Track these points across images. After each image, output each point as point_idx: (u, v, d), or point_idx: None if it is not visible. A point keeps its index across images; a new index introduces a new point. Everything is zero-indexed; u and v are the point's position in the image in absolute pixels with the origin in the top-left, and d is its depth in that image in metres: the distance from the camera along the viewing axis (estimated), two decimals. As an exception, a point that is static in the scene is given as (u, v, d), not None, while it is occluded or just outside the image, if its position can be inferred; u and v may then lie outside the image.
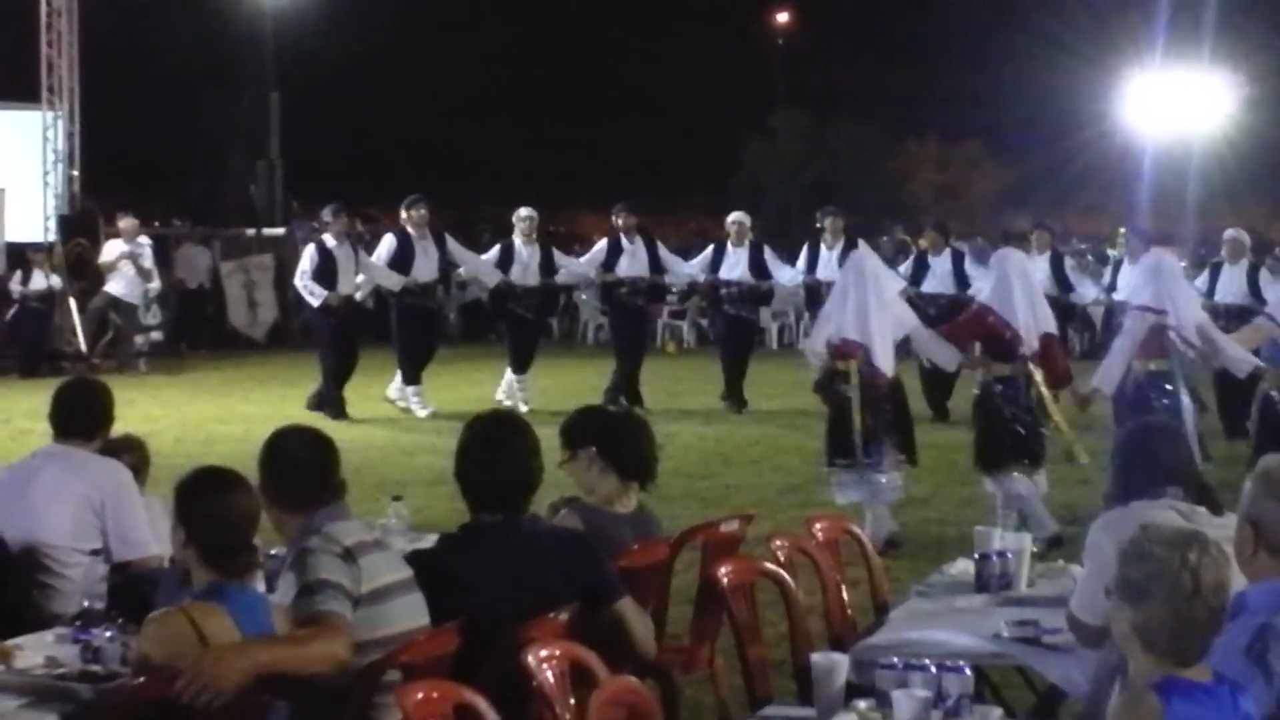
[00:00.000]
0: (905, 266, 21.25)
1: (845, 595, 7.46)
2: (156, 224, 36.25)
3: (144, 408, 18.01)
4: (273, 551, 6.42)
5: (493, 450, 6.42)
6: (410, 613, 5.88)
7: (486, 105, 60.30)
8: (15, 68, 30.07)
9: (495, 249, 20.90)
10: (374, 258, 20.14)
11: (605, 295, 21.47)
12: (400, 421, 19.76)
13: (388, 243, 20.28)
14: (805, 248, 21.48)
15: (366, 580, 5.76)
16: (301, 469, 6.01)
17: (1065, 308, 20.93)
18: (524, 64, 60.23)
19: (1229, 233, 20.57)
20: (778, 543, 7.48)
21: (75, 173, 29.71)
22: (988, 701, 6.02)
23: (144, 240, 26.90)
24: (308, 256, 19.97)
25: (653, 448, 7.44)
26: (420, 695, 5.06)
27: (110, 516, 7.43)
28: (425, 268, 19.99)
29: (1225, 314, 18.38)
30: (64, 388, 7.98)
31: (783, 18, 62.52)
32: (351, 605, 5.68)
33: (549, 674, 5.40)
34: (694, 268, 21.47)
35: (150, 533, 7.48)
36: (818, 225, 21.55)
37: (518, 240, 20.60)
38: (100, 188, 31.56)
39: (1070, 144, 47.03)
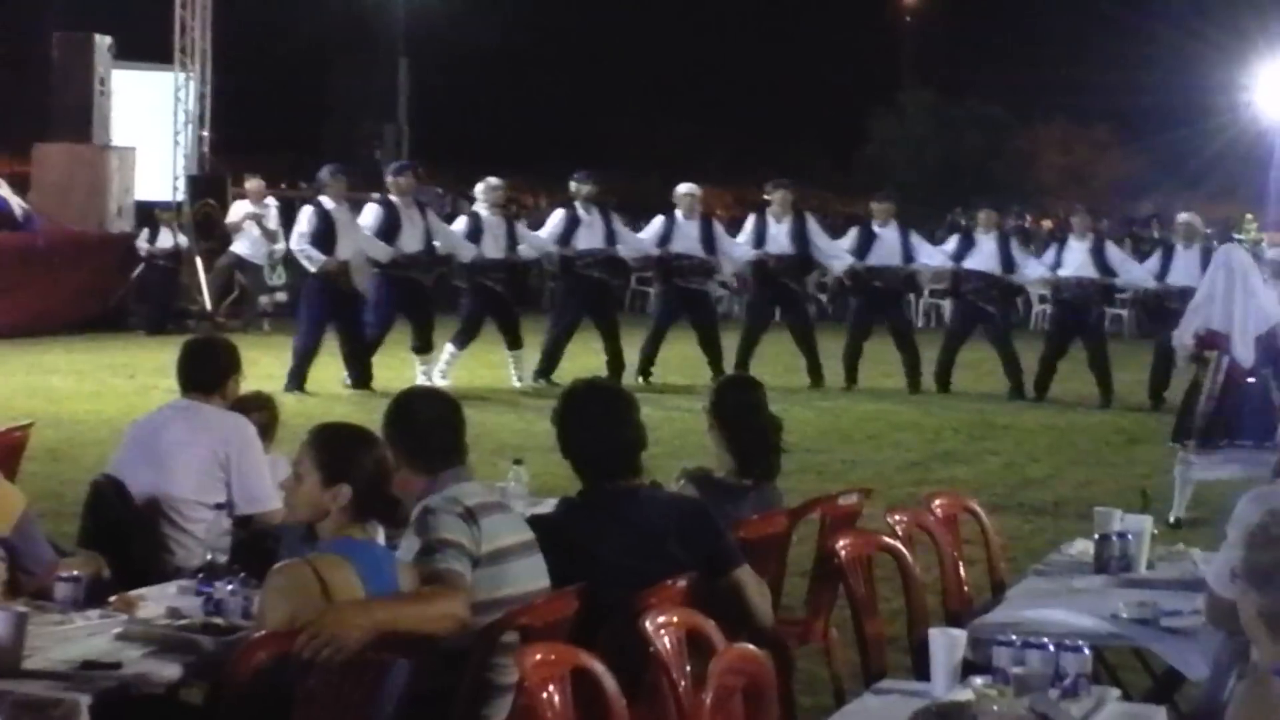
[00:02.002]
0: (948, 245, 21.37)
1: (963, 572, 7.43)
2: (283, 186, 36.55)
3: (267, 367, 18.12)
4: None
5: (595, 419, 6.43)
6: (530, 575, 5.91)
7: (613, 77, 60.28)
8: (149, 29, 30.40)
9: (462, 220, 20.42)
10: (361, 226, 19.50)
11: (563, 268, 20.50)
12: (516, 388, 19.82)
13: (373, 212, 19.65)
14: (752, 220, 21.08)
15: (487, 541, 5.79)
16: (430, 430, 6.05)
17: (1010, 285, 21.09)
18: (652, 36, 60.15)
19: (1183, 216, 20.89)
20: (896, 517, 7.46)
21: (205, 134, 30.01)
22: (1105, 682, 5.98)
23: (270, 202, 27.18)
24: (305, 218, 19.18)
25: (773, 439, 7.64)
26: (538, 657, 5.08)
27: (235, 471, 7.50)
28: (411, 238, 19.41)
29: (1180, 296, 18.32)
30: (190, 344, 8.08)
31: (912, -4, 62.25)
32: (472, 565, 5.71)
33: (666, 640, 5.41)
34: (646, 241, 20.71)
35: (273, 488, 7.55)
36: (765, 197, 21.16)
37: (484, 211, 20.05)
38: (229, 149, 31.89)
39: (1200, 129, 46.59)
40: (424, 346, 19.76)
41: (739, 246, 20.79)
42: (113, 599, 6.11)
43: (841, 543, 6.97)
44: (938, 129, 55.03)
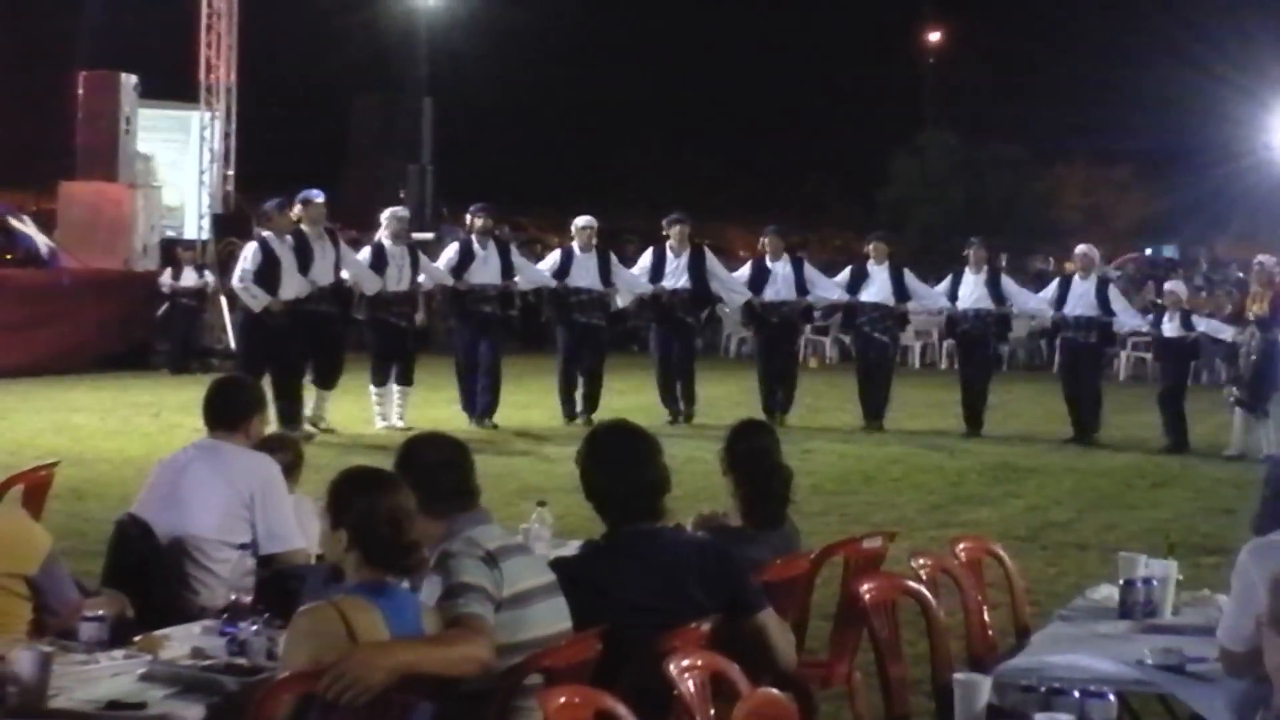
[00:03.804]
0: (842, 276, 21.49)
1: (986, 616, 7.41)
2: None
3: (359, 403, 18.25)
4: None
5: (618, 461, 6.42)
6: (552, 617, 5.91)
7: (636, 116, 60.45)
8: (174, 68, 30.55)
9: (366, 251, 19.71)
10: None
11: (453, 300, 20.29)
12: (540, 428, 19.85)
13: (365, 252, 19.52)
14: (650, 254, 21.09)
15: (509, 584, 5.79)
16: (435, 473, 6.04)
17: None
18: (674, 75, 60.32)
19: (1080, 248, 21.28)
20: (920, 561, 7.44)
21: (230, 172, 30.12)
22: (1129, 729, 5.97)
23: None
24: (250, 255, 18.31)
25: (779, 489, 7.56)
26: (562, 700, 5.07)
27: (259, 509, 7.50)
28: (395, 279, 19.27)
29: (1075, 325, 20.25)
30: (215, 383, 8.11)
31: (934, 37, 62.27)
32: (494, 608, 5.71)
33: (690, 684, 5.40)
34: (543, 274, 20.51)
35: (297, 527, 7.56)
36: (664, 233, 21.15)
37: (387, 242, 19.60)
38: (253, 187, 31.97)
39: (1222, 172, 46.60)
40: (326, 383, 19.03)
41: (635, 279, 20.78)
42: (137, 639, 6.12)
43: (865, 586, 6.95)
44: (959, 169, 55.07)
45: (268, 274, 18.11)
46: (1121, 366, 30.63)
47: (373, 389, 19.49)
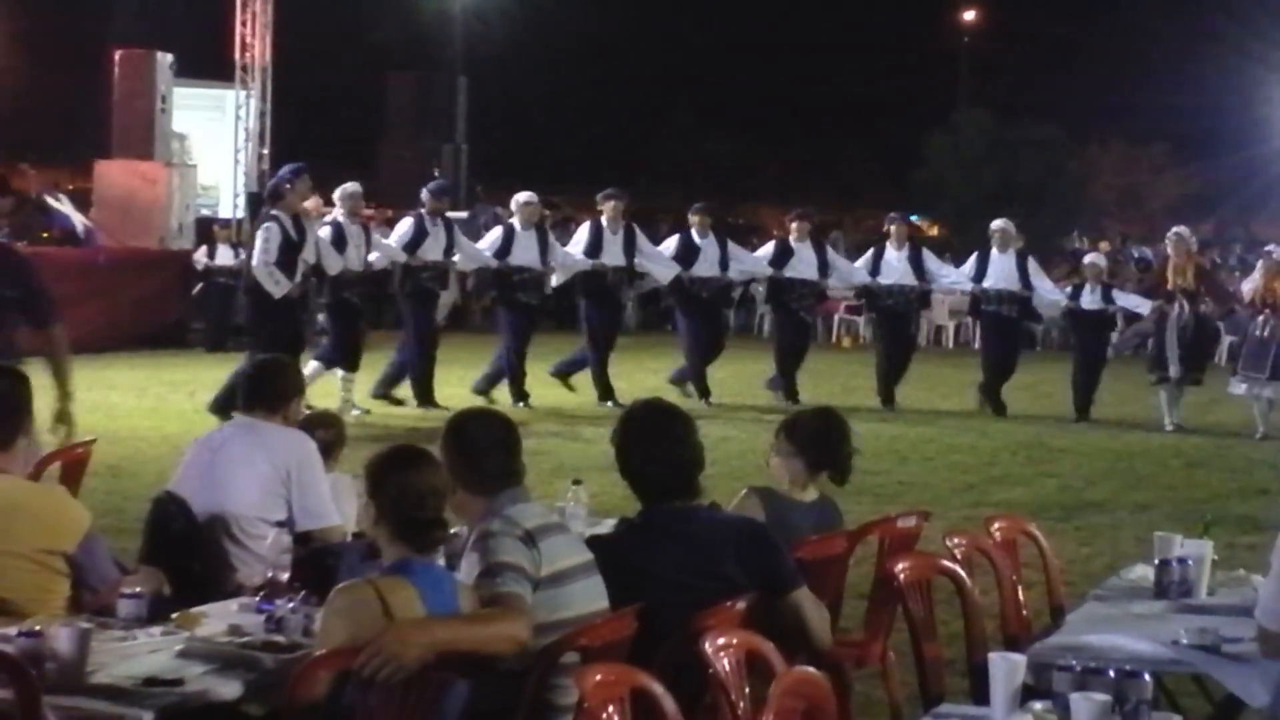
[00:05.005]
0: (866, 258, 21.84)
1: (1021, 596, 7.40)
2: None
3: (322, 384, 18.20)
4: (453, 530, 6.48)
5: (654, 439, 6.43)
6: (589, 596, 5.93)
7: (671, 96, 60.41)
8: (210, 47, 30.61)
9: (326, 230, 18.93)
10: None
11: (405, 277, 19.82)
12: (575, 407, 19.87)
13: (326, 231, 18.84)
14: (587, 230, 20.96)
15: (547, 563, 5.81)
16: (485, 451, 6.04)
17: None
18: (708, 54, 60.24)
19: (997, 223, 21.62)
20: (955, 540, 7.44)
21: (265, 150, 30.17)
22: (1165, 709, 5.96)
23: (327, 219, 27.23)
24: (274, 239, 17.01)
25: (847, 444, 7.65)
26: (598, 678, 5.08)
27: (295, 486, 7.52)
28: (356, 258, 18.91)
29: (996, 299, 20.70)
30: (258, 363, 8.17)
31: (969, 16, 62.09)
32: (532, 587, 5.73)
33: (725, 662, 5.41)
34: (486, 254, 20.25)
35: (332, 504, 7.58)
36: (598, 208, 21.09)
37: (343, 219, 19.14)
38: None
39: (1258, 152, 46.42)
40: (350, 365, 18.91)
41: (571, 256, 20.61)
42: (175, 616, 6.14)
43: (900, 565, 6.95)
44: (994, 149, 54.85)
45: (287, 258, 17.18)
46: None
47: (340, 373, 18.98)
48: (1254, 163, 46.54)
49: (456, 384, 20.12)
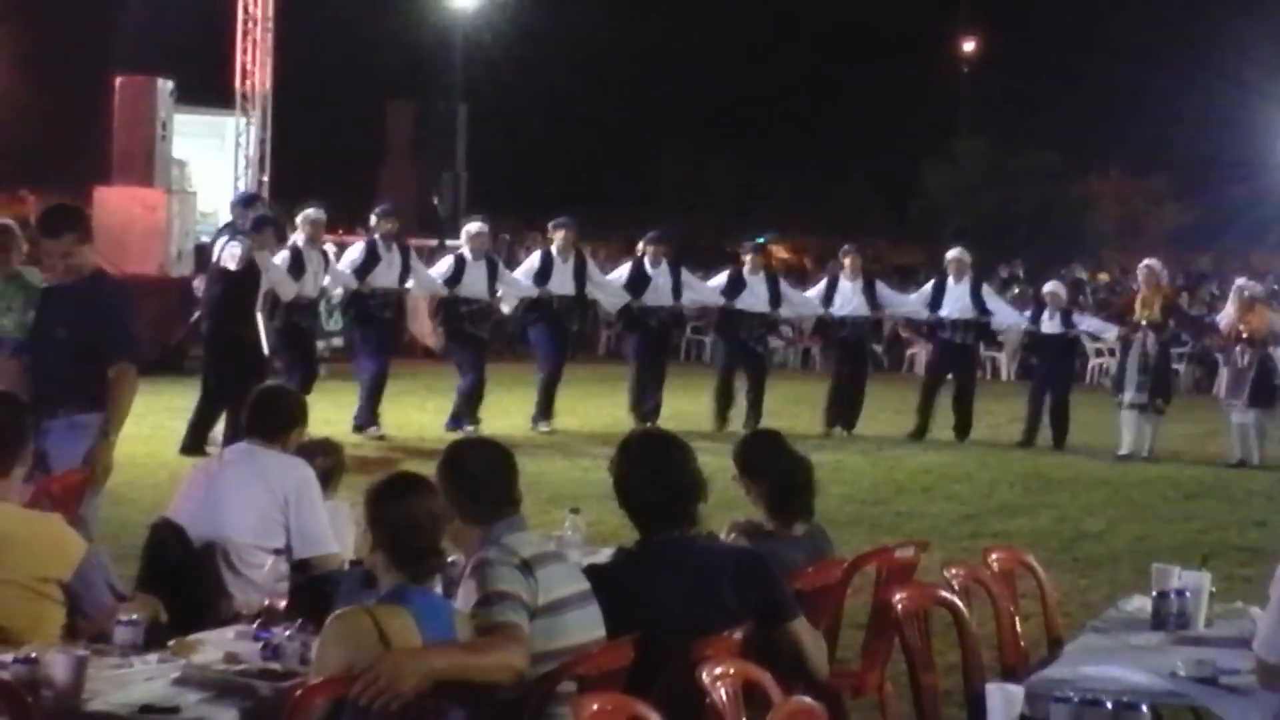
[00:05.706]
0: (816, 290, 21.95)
1: (1019, 627, 7.40)
2: (340, 231, 36.70)
3: (322, 412, 18.12)
4: (451, 559, 6.48)
5: (653, 468, 6.44)
6: (586, 625, 5.92)
7: (669, 123, 60.46)
8: (210, 73, 30.65)
9: (284, 254, 18.97)
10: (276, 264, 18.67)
11: (353, 303, 20.21)
12: (572, 437, 19.86)
13: (283, 257, 18.83)
14: (539, 257, 20.83)
15: (544, 592, 5.81)
16: (483, 480, 6.05)
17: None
18: (707, 82, 60.34)
19: (952, 252, 21.82)
20: (952, 571, 7.44)
21: (265, 178, 30.18)
22: (1162, 741, 5.96)
23: (328, 248, 27.24)
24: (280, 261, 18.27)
25: (806, 477, 7.63)
26: (595, 707, 5.07)
27: (293, 513, 7.52)
28: (312, 285, 18.98)
29: (951, 327, 20.93)
30: (261, 391, 8.16)
31: (969, 45, 62.18)
32: (529, 616, 5.72)
33: (722, 692, 5.40)
34: (437, 282, 20.15)
35: (330, 532, 7.58)
36: (548, 236, 21.12)
37: (302, 244, 19.15)
38: (287, 193, 32.04)
39: (1257, 183, 46.48)
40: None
41: (519, 283, 20.52)
42: (171, 643, 6.13)
43: (898, 595, 6.95)
44: (992, 178, 54.98)
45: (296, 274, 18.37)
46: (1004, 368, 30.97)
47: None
48: (1254, 193, 46.59)
49: (500, 413, 20.15)
